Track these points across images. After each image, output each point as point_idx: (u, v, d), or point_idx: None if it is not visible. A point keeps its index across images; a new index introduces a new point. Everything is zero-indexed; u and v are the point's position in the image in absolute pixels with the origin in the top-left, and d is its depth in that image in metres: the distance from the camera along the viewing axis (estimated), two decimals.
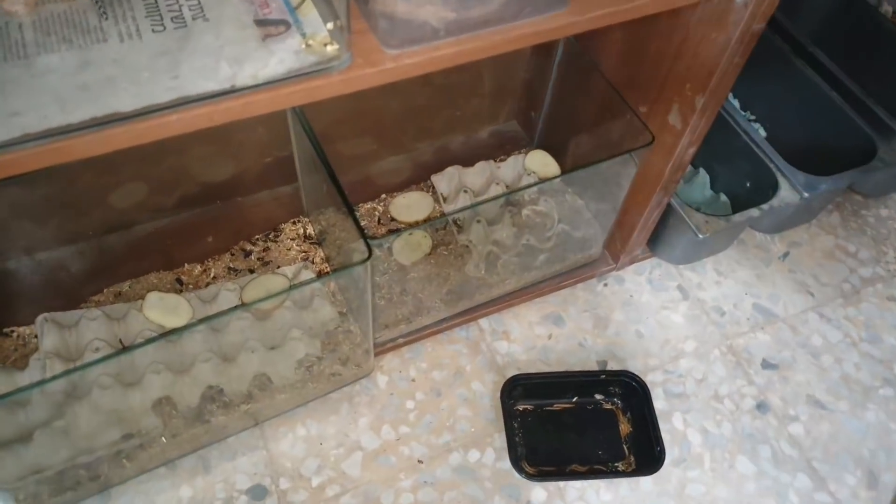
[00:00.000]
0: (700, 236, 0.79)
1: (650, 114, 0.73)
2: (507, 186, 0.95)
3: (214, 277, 0.82)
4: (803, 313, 0.95)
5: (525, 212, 0.92)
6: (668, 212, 0.84)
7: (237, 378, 0.67)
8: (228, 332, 0.69)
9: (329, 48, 0.41)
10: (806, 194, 0.83)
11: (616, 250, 0.92)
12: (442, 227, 0.90)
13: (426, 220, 0.93)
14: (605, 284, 0.95)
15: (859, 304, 0.96)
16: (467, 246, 0.87)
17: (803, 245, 1.02)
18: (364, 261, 0.58)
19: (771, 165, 0.86)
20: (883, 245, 1.03)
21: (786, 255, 1.01)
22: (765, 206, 0.81)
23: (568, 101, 0.91)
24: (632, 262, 0.95)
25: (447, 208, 0.94)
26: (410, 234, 0.88)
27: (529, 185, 0.89)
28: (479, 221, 0.87)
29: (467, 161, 0.97)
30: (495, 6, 0.44)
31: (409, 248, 0.87)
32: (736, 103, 1.11)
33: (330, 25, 0.42)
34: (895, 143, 0.89)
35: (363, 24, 0.44)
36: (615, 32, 0.76)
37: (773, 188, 0.85)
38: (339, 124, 0.88)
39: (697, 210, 0.97)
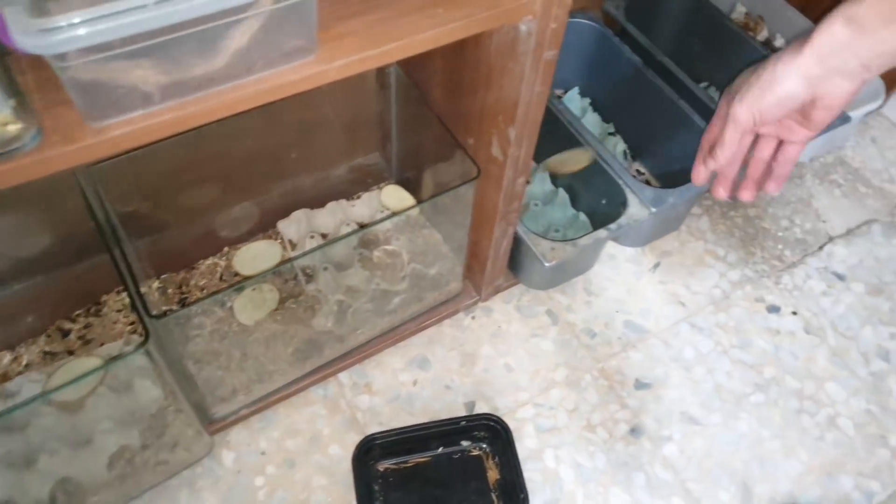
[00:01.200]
0: (547, 264, 0.75)
1: (477, 146, 0.70)
2: (359, 226, 0.90)
3: (27, 365, 0.74)
4: (675, 325, 0.93)
5: (377, 253, 0.87)
6: (518, 240, 0.80)
7: (35, 487, 0.59)
8: (27, 433, 0.60)
9: (11, 128, 0.35)
10: (654, 209, 0.81)
11: (478, 282, 0.88)
12: (291, 277, 0.83)
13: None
14: (473, 317, 0.91)
15: (729, 310, 0.95)
16: (317, 296, 0.81)
17: (674, 254, 1.00)
18: (139, 346, 0.52)
19: (619, 181, 0.84)
20: (751, 245, 1.02)
21: (656, 266, 0.99)
22: (612, 226, 0.79)
23: (410, 134, 0.87)
24: (497, 292, 0.92)
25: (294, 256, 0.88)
26: (254, 289, 0.82)
27: (360, 230, 0.84)
28: (325, 268, 0.81)
29: (326, 202, 0.92)
30: (219, 64, 0.39)
31: (252, 306, 0.80)
32: (597, 116, 1.09)
33: (13, 102, 0.36)
34: None
35: (67, 95, 0.38)
36: (436, 62, 0.72)
37: (623, 204, 0.83)
38: (177, 174, 0.81)
39: (556, 231, 0.95)
